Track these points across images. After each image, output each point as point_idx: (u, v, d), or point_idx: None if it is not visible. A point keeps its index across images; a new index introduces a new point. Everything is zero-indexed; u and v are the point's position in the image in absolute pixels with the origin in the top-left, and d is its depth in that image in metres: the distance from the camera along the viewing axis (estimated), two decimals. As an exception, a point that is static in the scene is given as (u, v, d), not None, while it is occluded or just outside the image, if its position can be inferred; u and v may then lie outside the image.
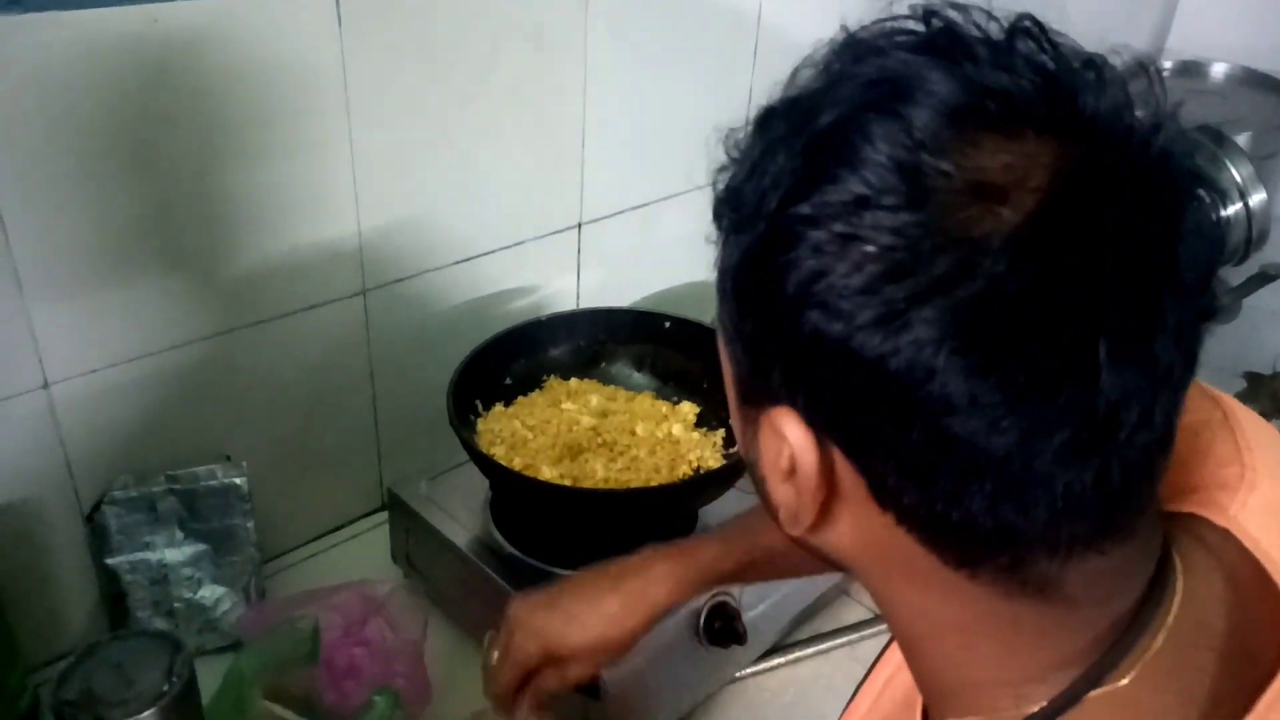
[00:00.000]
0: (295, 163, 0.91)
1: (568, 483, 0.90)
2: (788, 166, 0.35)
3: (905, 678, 0.49)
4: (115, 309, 0.85)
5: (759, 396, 0.39)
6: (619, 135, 1.18)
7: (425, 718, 0.86)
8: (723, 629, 0.88)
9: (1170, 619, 0.38)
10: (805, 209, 0.34)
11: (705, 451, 0.96)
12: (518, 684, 0.72)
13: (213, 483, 0.92)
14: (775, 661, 0.98)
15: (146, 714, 0.60)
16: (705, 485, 0.91)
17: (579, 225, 1.20)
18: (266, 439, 1.01)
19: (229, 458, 0.95)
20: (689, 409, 1.02)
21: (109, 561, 0.90)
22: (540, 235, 1.16)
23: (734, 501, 0.97)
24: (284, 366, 0.99)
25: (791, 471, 0.38)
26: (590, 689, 0.82)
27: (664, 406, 1.02)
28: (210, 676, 0.79)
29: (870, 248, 0.33)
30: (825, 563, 0.44)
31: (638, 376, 1.07)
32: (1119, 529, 0.37)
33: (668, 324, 1.05)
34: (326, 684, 0.83)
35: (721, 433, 0.99)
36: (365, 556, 1.07)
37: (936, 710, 0.43)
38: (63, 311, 0.82)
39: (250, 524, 0.94)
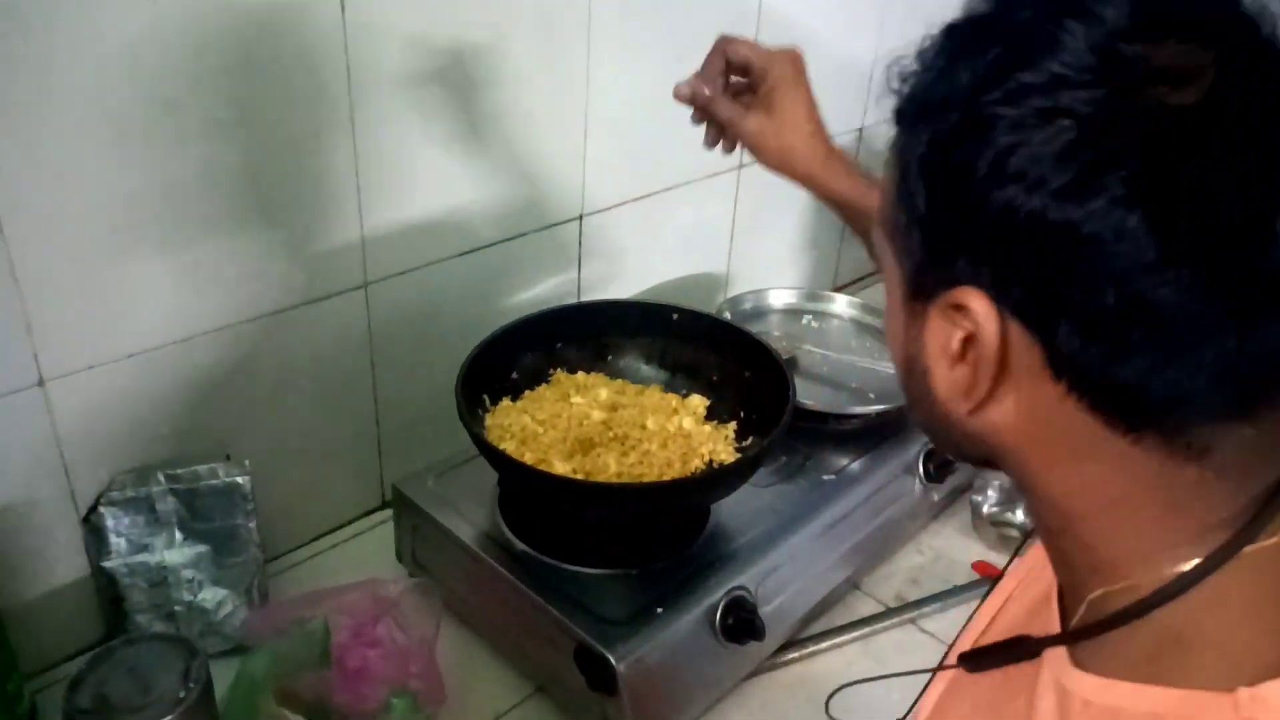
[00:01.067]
0: (298, 152, 0.89)
1: (580, 478, 0.88)
2: (983, 60, 0.38)
3: (1030, 592, 0.51)
4: (112, 304, 0.83)
5: (932, 285, 0.42)
6: (621, 126, 1.16)
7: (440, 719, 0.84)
8: (739, 624, 0.87)
9: None
10: (1000, 93, 0.37)
11: (718, 445, 0.95)
12: (715, 65, 0.82)
13: (214, 482, 0.90)
14: (790, 656, 0.96)
15: (164, 721, 0.57)
16: (720, 479, 0.89)
17: (580, 217, 1.18)
18: (266, 436, 0.98)
19: (229, 456, 0.92)
20: (699, 402, 1.00)
21: (106, 564, 0.87)
22: (542, 227, 1.14)
23: (747, 496, 0.96)
24: (285, 362, 0.96)
25: (961, 356, 0.41)
26: (607, 685, 0.80)
27: (673, 399, 1.01)
28: (214, 682, 0.77)
29: (1065, 120, 0.36)
30: (972, 455, 0.46)
31: (646, 369, 1.05)
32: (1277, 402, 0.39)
33: (676, 316, 1.04)
34: (338, 687, 0.80)
35: (733, 425, 0.98)
36: (369, 555, 1.04)
37: (1086, 588, 0.44)
38: (59, 306, 0.79)
39: (253, 524, 0.91)
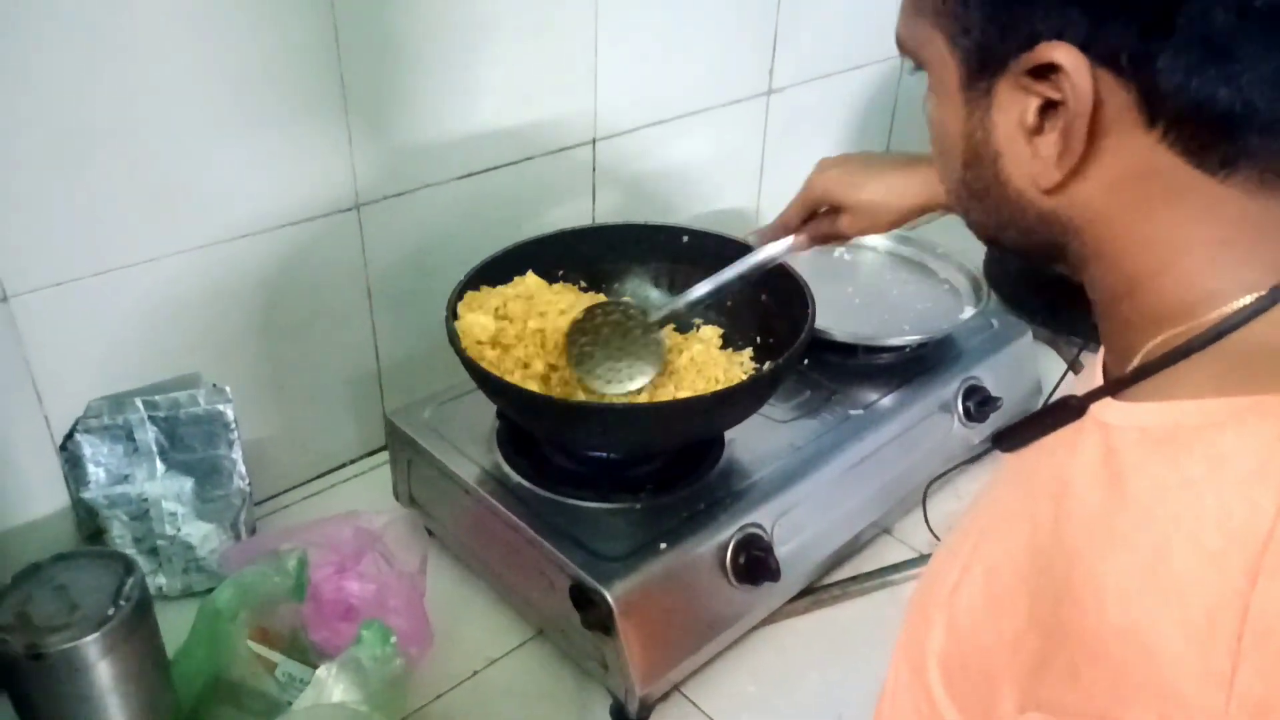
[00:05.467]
0: (276, 54, 0.83)
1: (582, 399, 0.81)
2: None
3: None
4: (79, 218, 0.78)
5: (1002, 54, 0.40)
6: (639, 37, 1.08)
7: (426, 663, 0.79)
8: (752, 564, 0.80)
9: None
10: None
11: (732, 370, 0.87)
12: (801, 217, 0.83)
13: (195, 410, 0.85)
14: (810, 603, 0.89)
15: (89, 639, 0.52)
16: (730, 400, 0.82)
17: (593, 141, 1.11)
18: (257, 366, 0.93)
19: (215, 384, 0.87)
20: (711, 332, 0.93)
21: (85, 495, 0.83)
22: (551, 151, 1.07)
23: (765, 430, 0.89)
24: (272, 286, 0.91)
25: (1038, 128, 0.40)
26: (603, 624, 0.74)
27: (680, 339, 0.93)
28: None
29: None
30: (1038, 244, 0.44)
31: (655, 294, 0.98)
32: None
33: (686, 238, 0.96)
34: (315, 622, 0.75)
35: (749, 352, 0.90)
36: (367, 497, 0.99)
37: (1143, 340, 0.42)
38: (20, 218, 0.75)
39: (237, 455, 0.87)
